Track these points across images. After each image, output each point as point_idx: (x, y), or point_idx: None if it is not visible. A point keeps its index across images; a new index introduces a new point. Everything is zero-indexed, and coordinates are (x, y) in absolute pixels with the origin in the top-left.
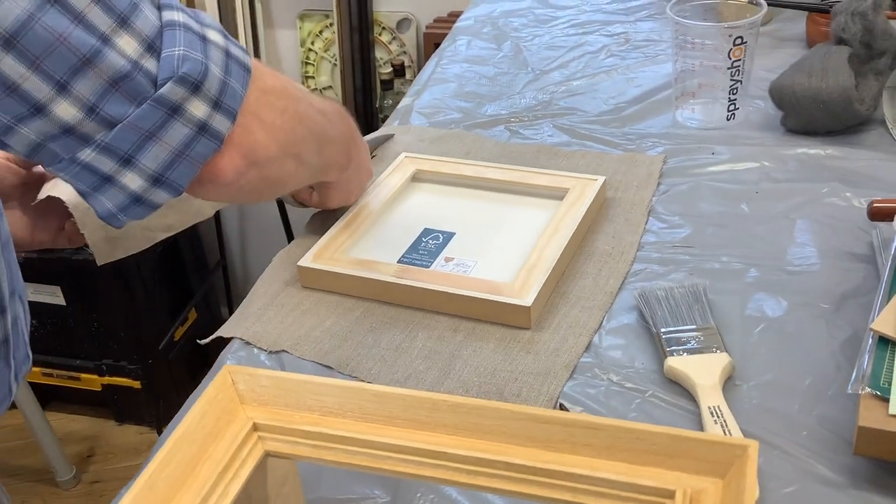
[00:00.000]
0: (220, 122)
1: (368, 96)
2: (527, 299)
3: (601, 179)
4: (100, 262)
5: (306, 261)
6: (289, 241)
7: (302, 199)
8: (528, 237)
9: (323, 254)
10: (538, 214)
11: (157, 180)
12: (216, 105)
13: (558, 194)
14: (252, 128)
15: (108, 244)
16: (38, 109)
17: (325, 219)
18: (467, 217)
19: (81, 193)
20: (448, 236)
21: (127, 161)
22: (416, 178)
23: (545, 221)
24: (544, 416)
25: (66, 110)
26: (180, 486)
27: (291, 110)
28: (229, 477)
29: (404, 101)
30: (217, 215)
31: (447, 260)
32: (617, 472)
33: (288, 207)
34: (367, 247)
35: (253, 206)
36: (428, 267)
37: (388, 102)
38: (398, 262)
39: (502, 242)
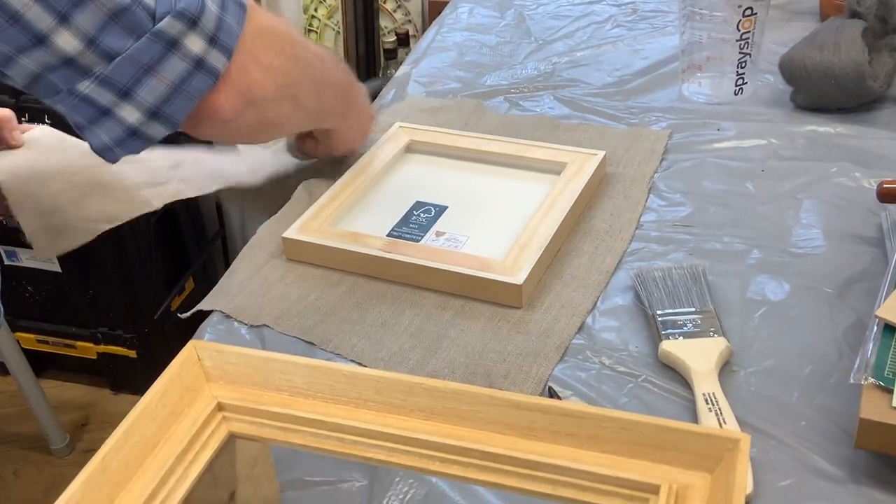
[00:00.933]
0: (216, 58)
1: (371, 65)
2: (518, 277)
3: (601, 154)
4: (38, 254)
5: (292, 232)
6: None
7: (307, 151)
8: (522, 212)
9: (309, 225)
10: (534, 189)
11: (154, 114)
12: (212, 41)
13: (556, 169)
14: (249, 67)
15: (47, 234)
16: (40, 40)
17: (312, 189)
18: (461, 190)
19: (78, 126)
20: (440, 210)
21: (125, 94)
22: (410, 148)
23: (541, 197)
24: (525, 403)
25: (66, 41)
26: (137, 467)
27: (288, 52)
28: (189, 458)
29: (402, 69)
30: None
31: (438, 234)
32: (600, 464)
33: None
34: (355, 219)
35: None
36: (418, 241)
37: (391, 72)
38: (387, 235)
39: (496, 217)
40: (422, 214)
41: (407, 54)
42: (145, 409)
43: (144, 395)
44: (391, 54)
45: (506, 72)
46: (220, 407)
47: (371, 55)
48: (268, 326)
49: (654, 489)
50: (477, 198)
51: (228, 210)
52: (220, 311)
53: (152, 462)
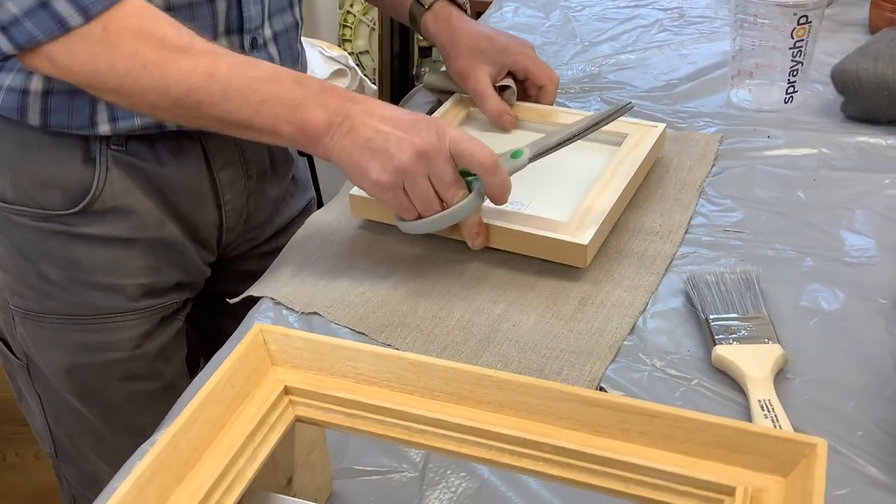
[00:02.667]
0: (65, 9)
1: (405, 63)
2: (583, 238)
3: (661, 127)
4: None
5: (358, 190)
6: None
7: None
8: (584, 180)
9: None
10: (595, 158)
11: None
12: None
13: (616, 140)
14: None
15: None
16: None
17: None
18: None
19: None
20: None
21: None
22: (470, 117)
23: (602, 165)
24: (596, 399)
25: None
26: (206, 448)
27: (143, 56)
28: (258, 441)
29: (444, 68)
30: (311, 158)
31: None
32: (673, 463)
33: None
34: None
35: None
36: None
37: (424, 70)
38: None
39: (556, 183)
40: None
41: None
42: (213, 391)
43: (212, 377)
44: (426, 52)
45: None
46: (286, 391)
47: (405, 53)
48: (318, 314)
49: (730, 491)
50: (538, 165)
51: None
52: (271, 299)
53: (220, 443)
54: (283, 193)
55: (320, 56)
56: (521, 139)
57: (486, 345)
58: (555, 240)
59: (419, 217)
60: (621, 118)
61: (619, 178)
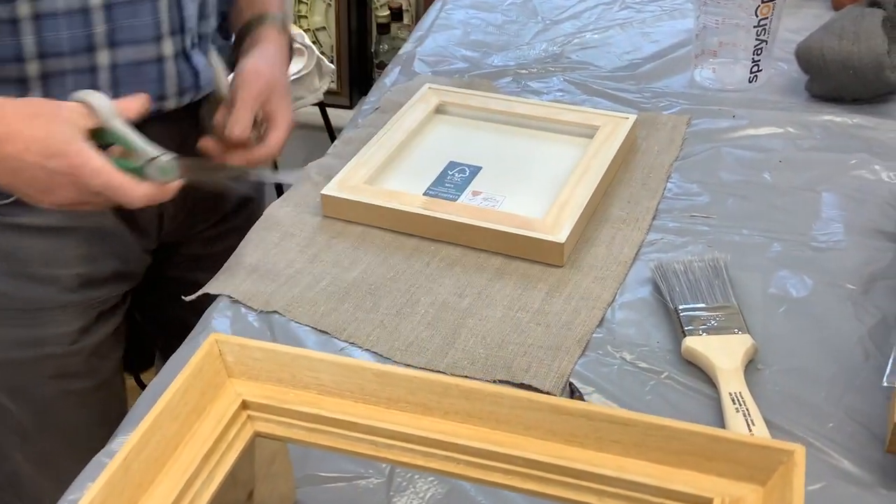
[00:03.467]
0: None
1: (363, 40)
2: (560, 236)
3: (632, 118)
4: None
5: (331, 189)
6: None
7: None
8: (557, 174)
9: (345, 184)
10: (567, 151)
11: None
12: None
13: (588, 132)
14: None
15: None
16: None
17: (319, 170)
18: (494, 151)
19: None
20: (475, 170)
21: None
22: (440, 110)
23: (575, 159)
24: (567, 408)
25: None
26: (160, 469)
27: None
28: (215, 460)
29: (406, 48)
30: None
31: (475, 194)
32: (647, 474)
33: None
34: (390, 178)
35: None
36: (455, 200)
37: (383, 47)
38: (424, 194)
39: (531, 178)
40: (456, 174)
41: (400, 30)
42: (167, 407)
43: (165, 392)
44: (384, 29)
45: (513, 52)
46: (244, 405)
47: (363, 29)
48: (278, 313)
49: (706, 502)
50: (510, 159)
51: None
52: (229, 297)
53: (175, 463)
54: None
55: None
56: (484, 135)
57: (452, 341)
58: (531, 238)
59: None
60: (591, 110)
61: (592, 172)
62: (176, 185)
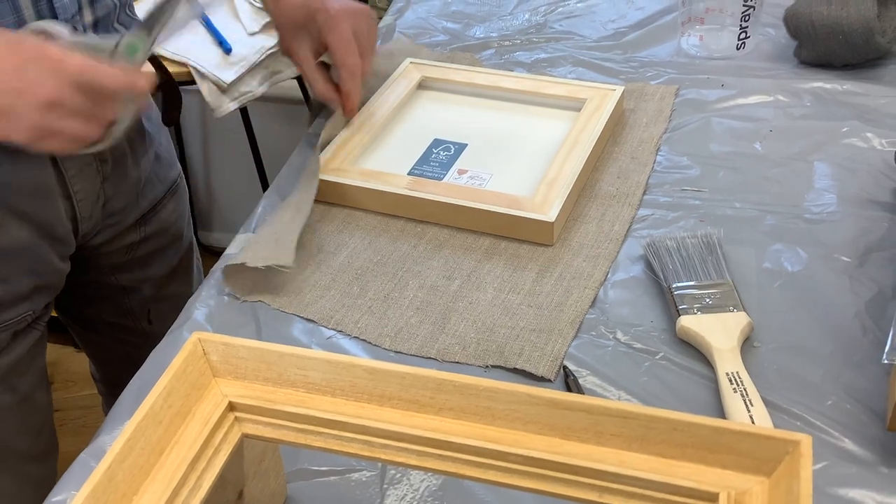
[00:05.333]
0: None
1: None
2: (549, 214)
3: (620, 89)
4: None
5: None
6: (254, 157)
7: (325, 94)
8: (545, 150)
9: (330, 165)
10: (555, 125)
11: None
12: None
13: (575, 105)
14: None
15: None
16: None
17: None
18: (479, 127)
19: None
20: (460, 147)
21: None
22: (423, 85)
23: (563, 133)
24: (565, 402)
25: None
26: (145, 477)
27: None
28: (202, 465)
29: (385, 20)
30: (178, 128)
31: (461, 172)
32: (650, 468)
33: (255, 123)
34: (374, 158)
35: (217, 121)
36: (441, 179)
37: None
38: (408, 174)
39: (517, 154)
40: (441, 152)
41: (379, 1)
42: (150, 412)
43: (148, 395)
44: (363, 0)
45: (494, 23)
46: (231, 407)
47: None
48: (263, 302)
49: (713, 497)
50: (496, 135)
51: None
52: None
53: (161, 470)
54: (144, 174)
55: (251, 8)
56: (468, 111)
57: (443, 326)
58: (520, 218)
59: (97, 139)
60: (577, 82)
61: (580, 147)
62: (148, 69)
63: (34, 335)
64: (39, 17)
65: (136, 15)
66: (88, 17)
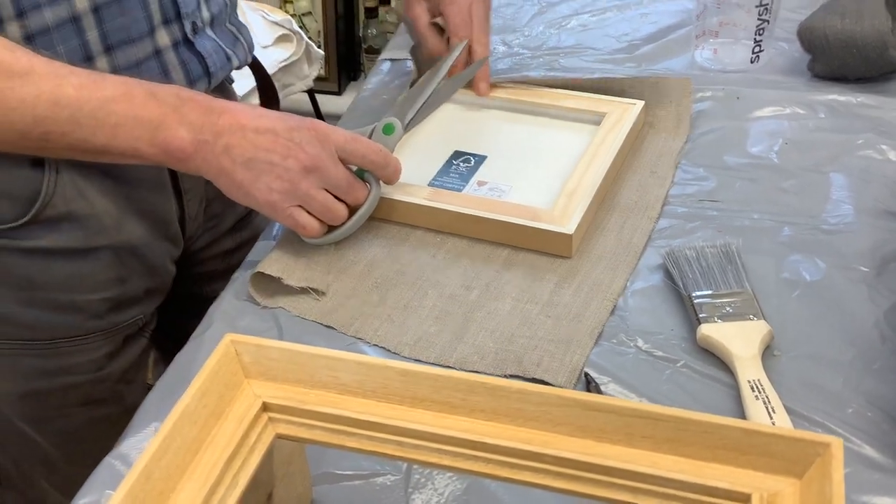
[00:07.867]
0: None
1: (351, 24)
2: (568, 227)
3: (640, 104)
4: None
5: None
6: None
7: (434, 47)
8: (564, 162)
9: None
10: (574, 139)
11: None
12: None
13: (595, 119)
14: None
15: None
16: None
17: None
18: (499, 140)
19: None
20: (480, 159)
21: None
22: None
23: (582, 146)
24: (597, 404)
25: None
26: (181, 476)
27: None
28: (238, 465)
29: (400, 32)
30: None
31: (480, 184)
32: (682, 469)
33: None
34: None
35: None
36: (460, 191)
37: (371, 32)
38: (428, 185)
39: (537, 167)
40: (461, 164)
41: (388, 13)
42: (185, 411)
43: (183, 396)
44: (372, 13)
45: (510, 35)
46: (264, 407)
47: (350, 14)
48: (283, 308)
49: (745, 498)
50: (516, 147)
51: None
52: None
53: (196, 469)
54: None
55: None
56: (488, 123)
57: (461, 336)
58: (539, 230)
59: (329, 229)
60: (597, 96)
61: (600, 160)
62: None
63: (141, 343)
64: (165, 14)
65: (238, 20)
66: (206, 13)
